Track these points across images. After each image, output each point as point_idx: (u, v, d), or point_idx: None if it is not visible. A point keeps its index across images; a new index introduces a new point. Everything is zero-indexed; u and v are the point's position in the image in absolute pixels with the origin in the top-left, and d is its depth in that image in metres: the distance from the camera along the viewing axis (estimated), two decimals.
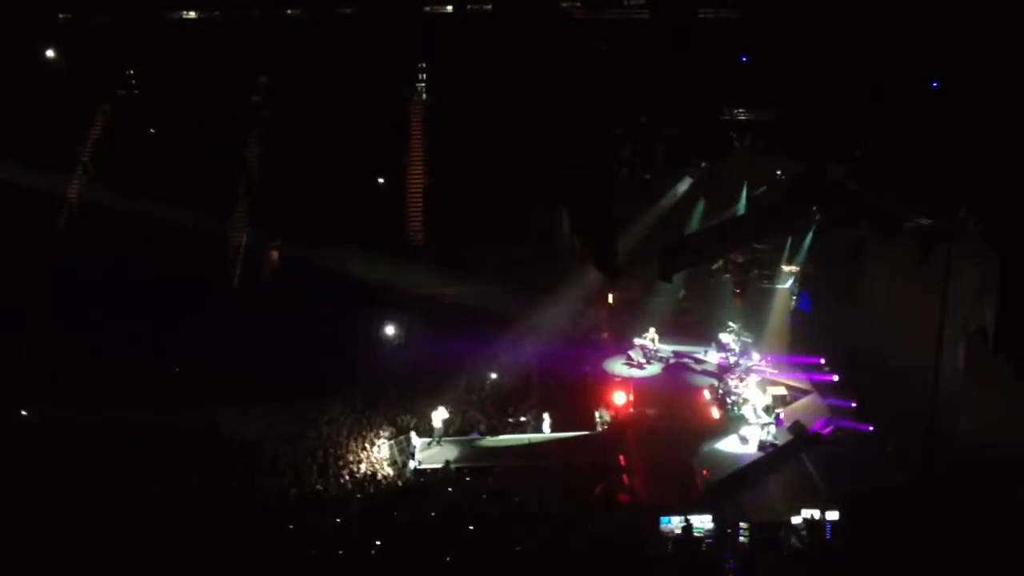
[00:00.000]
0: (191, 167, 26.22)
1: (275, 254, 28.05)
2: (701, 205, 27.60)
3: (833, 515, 19.15)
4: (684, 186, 27.54)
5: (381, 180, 28.53)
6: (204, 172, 26.48)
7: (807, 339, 27.22)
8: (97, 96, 26.94)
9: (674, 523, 18.86)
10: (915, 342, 22.35)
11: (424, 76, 27.62)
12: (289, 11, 25.55)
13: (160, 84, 26.06)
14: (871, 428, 23.25)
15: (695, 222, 27.41)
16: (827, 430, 23.55)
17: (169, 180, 25.82)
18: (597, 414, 23.68)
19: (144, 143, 27.12)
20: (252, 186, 27.48)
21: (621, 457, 22.15)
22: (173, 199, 25.27)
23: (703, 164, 26.42)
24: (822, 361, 26.77)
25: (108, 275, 25.10)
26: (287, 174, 27.13)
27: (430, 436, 23.01)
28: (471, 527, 18.66)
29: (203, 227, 26.17)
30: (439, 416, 23.02)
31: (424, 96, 27.84)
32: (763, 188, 25.89)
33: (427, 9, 25.74)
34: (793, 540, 18.99)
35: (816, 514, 19.19)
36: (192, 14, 25.33)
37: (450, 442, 22.90)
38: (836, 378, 26.02)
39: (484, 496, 20.20)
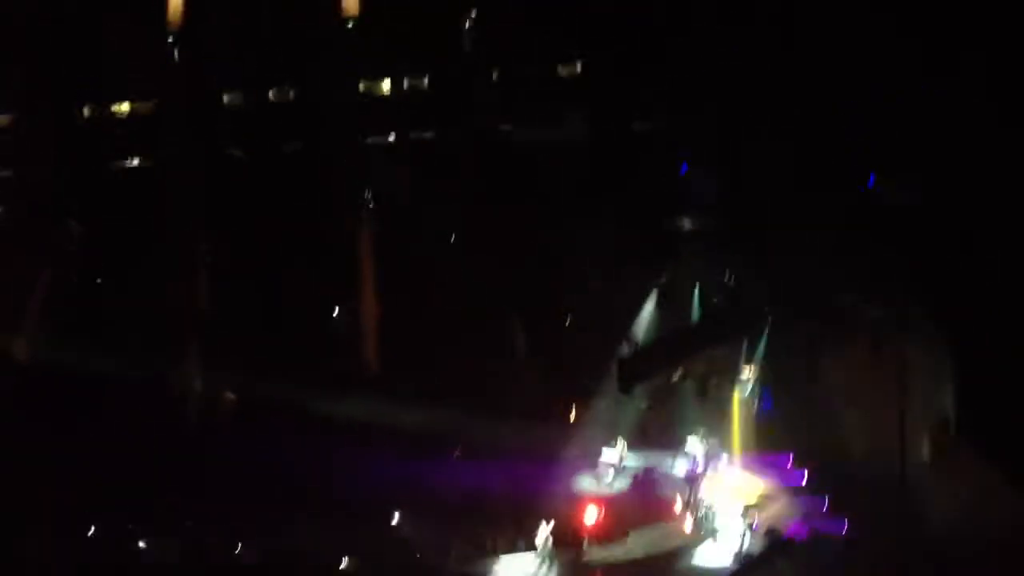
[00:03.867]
0: (138, 316, 25.88)
1: (230, 396, 27.50)
2: (656, 313, 27.69)
3: None
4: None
5: (335, 312, 28.27)
6: (152, 321, 26.12)
7: (772, 439, 27.08)
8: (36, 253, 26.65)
9: None
10: (878, 435, 22.35)
11: (371, 204, 27.73)
12: (230, 152, 25.84)
13: (99, 233, 25.87)
14: (845, 526, 23.01)
15: (650, 332, 27.43)
16: (803, 533, 23.26)
17: (117, 331, 25.44)
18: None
19: (88, 295, 26.74)
20: (202, 330, 27.05)
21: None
22: (123, 350, 24.89)
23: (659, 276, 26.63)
24: (789, 461, 26.58)
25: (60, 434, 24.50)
26: (236, 313, 26.82)
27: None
28: None
29: (155, 376, 25.72)
30: (543, 533, 22.46)
31: (372, 224, 27.88)
32: (715, 293, 26.19)
33: (369, 140, 26.13)
34: None
35: None
36: (135, 161, 25.53)
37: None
38: (805, 477, 25.80)
39: None
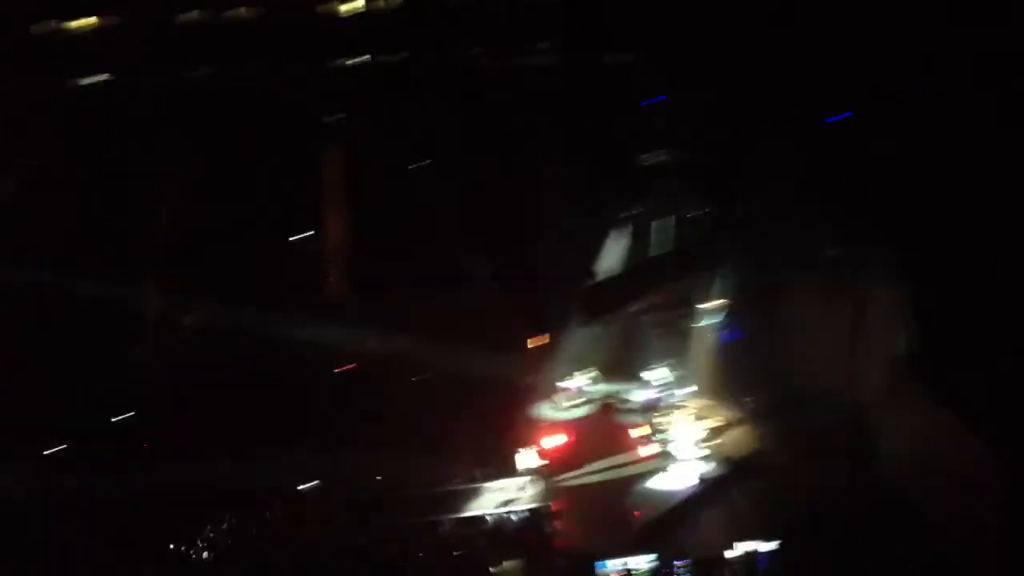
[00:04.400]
0: (96, 235, 25.54)
1: (190, 318, 27.35)
2: (624, 245, 27.76)
3: (769, 546, 19.40)
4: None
5: (301, 236, 27.93)
6: (112, 240, 25.80)
7: (734, 370, 27.48)
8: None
9: (611, 567, 18.91)
10: (834, 370, 22.76)
11: (340, 129, 27.39)
12: (196, 71, 25.38)
13: (62, 151, 25.38)
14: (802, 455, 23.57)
15: (618, 263, 27.55)
16: (759, 458, 23.84)
17: (74, 250, 25.09)
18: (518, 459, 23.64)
19: (47, 212, 26.26)
20: (163, 250, 26.74)
21: (560, 502, 22.15)
22: (81, 270, 24.61)
23: (627, 209, 26.65)
24: (750, 390, 27.01)
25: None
26: (198, 235, 26.51)
27: None
28: None
29: (115, 297, 25.50)
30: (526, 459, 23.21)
31: (341, 148, 27.57)
32: (679, 226, 26.33)
33: (339, 62, 25.73)
34: (733, 574, 19.20)
35: (753, 546, 19.43)
36: (96, 78, 24.99)
37: None
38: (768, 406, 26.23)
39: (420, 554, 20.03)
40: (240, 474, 22.21)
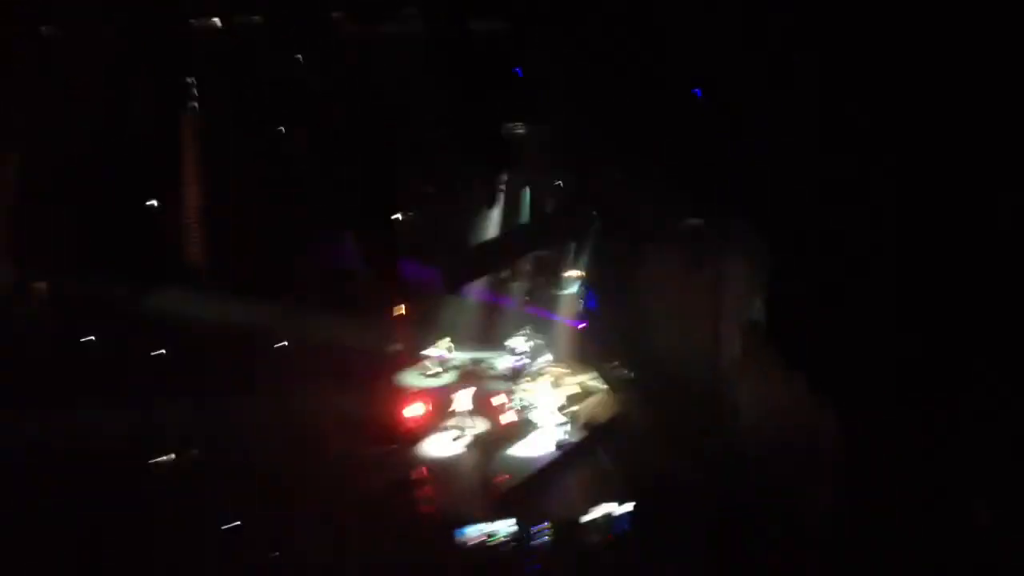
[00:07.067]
0: None
1: (43, 286, 26.13)
2: (486, 215, 27.93)
3: (628, 507, 19.98)
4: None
5: (154, 203, 26.91)
6: None
7: (594, 337, 28.07)
8: None
9: (471, 533, 19.15)
10: (695, 339, 23.47)
11: (196, 91, 26.52)
12: (44, 28, 24.20)
13: None
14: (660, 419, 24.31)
15: (481, 232, 27.73)
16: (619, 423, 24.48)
17: None
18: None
19: None
20: (12, 214, 25.42)
21: (423, 469, 22.27)
22: None
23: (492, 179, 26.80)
24: (610, 357, 27.66)
25: None
26: (49, 199, 25.30)
27: None
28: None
29: None
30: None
31: (197, 112, 26.70)
32: (542, 197, 26.73)
33: (193, 23, 24.88)
34: (592, 536, 19.70)
35: (613, 507, 19.97)
36: None
37: None
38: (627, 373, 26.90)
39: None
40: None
